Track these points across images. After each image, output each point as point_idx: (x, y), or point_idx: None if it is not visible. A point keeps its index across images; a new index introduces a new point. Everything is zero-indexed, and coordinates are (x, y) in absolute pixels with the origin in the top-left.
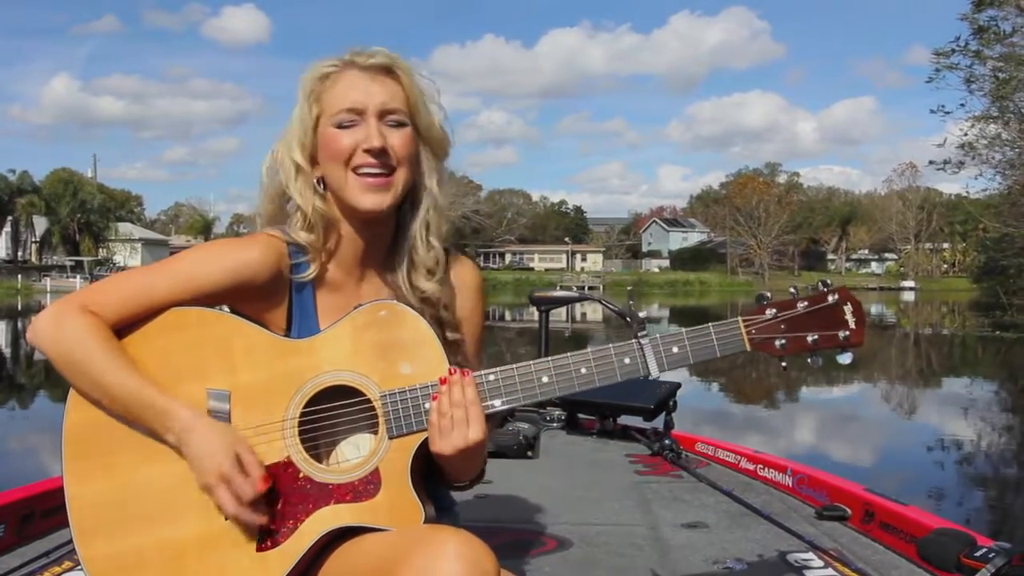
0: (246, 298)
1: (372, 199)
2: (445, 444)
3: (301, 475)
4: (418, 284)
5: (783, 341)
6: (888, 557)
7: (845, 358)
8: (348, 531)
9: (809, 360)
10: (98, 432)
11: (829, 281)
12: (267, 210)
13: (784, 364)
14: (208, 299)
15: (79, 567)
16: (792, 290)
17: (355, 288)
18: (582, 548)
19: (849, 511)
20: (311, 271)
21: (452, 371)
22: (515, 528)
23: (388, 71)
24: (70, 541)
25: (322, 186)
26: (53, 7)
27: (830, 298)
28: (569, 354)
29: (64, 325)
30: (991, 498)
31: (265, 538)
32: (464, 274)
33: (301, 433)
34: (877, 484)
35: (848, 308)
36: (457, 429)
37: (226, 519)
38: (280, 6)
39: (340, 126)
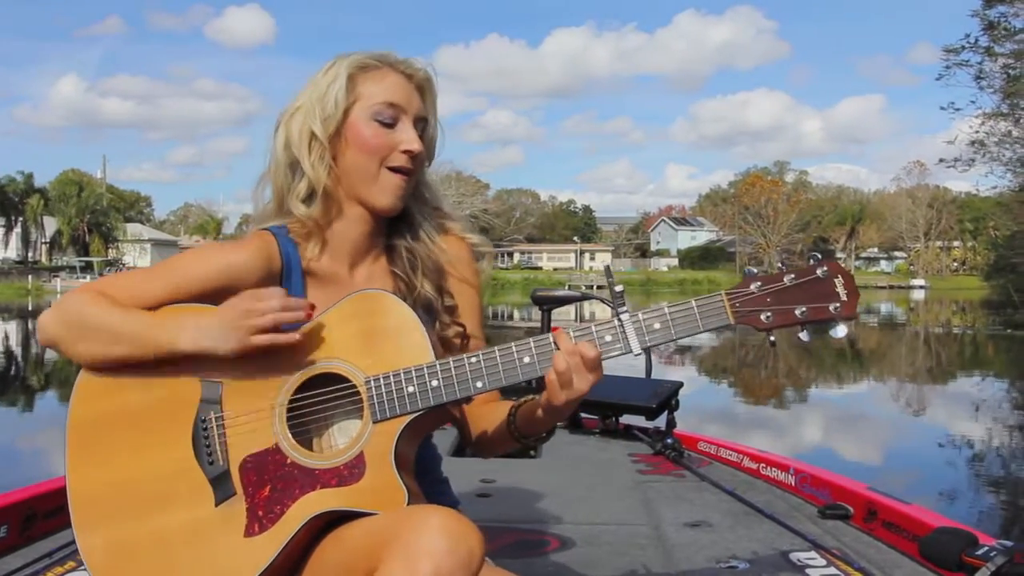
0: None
1: (397, 201)
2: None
3: (288, 461)
4: (431, 257)
5: (769, 314)
6: (890, 556)
7: (838, 331)
8: (339, 519)
9: (800, 334)
10: (100, 426)
11: (819, 255)
12: (276, 184)
13: (772, 339)
14: (200, 298)
15: (82, 567)
16: (780, 265)
17: (347, 279)
18: (584, 548)
19: (851, 510)
20: (309, 249)
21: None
22: (517, 528)
23: (425, 87)
24: (73, 542)
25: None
26: (56, 9)
27: (819, 271)
28: (550, 334)
29: (66, 303)
30: (1002, 498)
31: (252, 524)
32: (458, 246)
33: (289, 420)
34: (885, 483)
35: (839, 280)
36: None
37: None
38: (284, 6)
39: (380, 122)
